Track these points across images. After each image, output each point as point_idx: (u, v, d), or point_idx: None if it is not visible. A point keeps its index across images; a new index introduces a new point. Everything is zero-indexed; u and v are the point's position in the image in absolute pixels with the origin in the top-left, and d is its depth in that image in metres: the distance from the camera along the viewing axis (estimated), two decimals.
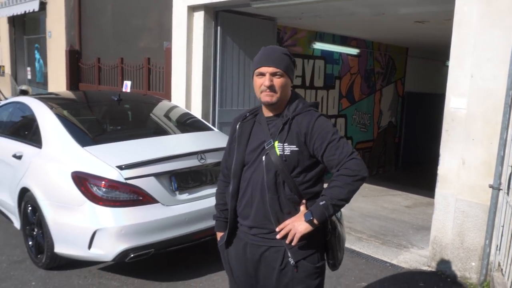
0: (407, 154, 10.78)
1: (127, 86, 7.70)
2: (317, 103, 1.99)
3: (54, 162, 3.54)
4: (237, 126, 1.98)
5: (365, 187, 8.03)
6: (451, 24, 6.17)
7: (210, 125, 4.61)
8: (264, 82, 1.84)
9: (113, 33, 8.46)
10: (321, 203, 1.78)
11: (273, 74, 1.84)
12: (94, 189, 3.18)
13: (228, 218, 2.01)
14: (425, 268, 3.95)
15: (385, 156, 10.21)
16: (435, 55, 10.51)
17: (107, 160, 3.28)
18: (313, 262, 1.89)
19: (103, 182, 3.18)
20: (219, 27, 6.02)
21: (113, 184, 3.17)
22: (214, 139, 4.10)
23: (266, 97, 1.85)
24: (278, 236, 1.83)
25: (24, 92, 9.25)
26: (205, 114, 6.12)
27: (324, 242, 1.94)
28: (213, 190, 3.60)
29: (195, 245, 3.64)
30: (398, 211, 6.10)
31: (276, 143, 1.84)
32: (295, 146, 1.83)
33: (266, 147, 1.85)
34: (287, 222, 1.83)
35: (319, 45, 7.84)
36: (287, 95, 1.91)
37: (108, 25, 8.59)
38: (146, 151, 3.48)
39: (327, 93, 8.29)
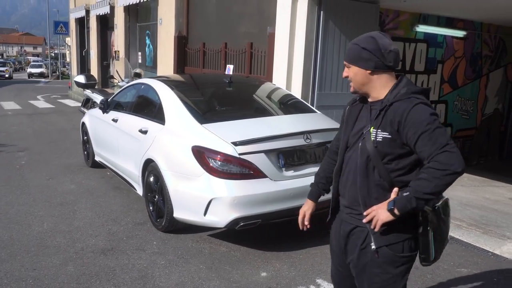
0: None
1: (229, 69, 8.14)
2: (427, 89, 1.93)
3: (176, 137, 4.00)
4: (347, 109, 2.11)
5: (464, 177, 7.69)
6: None
7: (313, 108, 4.81)
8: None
9: (216, 20, 8.93)
10: (404, 194, 1.78)
11: (347, 66, 1.98)
12: (211, 162, 3.56)
13: (321, 190, 2.29)
14: None
15: (488, 145, 9.62)
16: None
17: (222, 136, 3.64)
18: (396, 251, 1.89)
19: (219, 156, 3.54)
20: (322, 12, 6.12)
21: (228, 158, 3.53)
22: (318, 121, 4.31)
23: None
24: (364, 220, 1.90)
25: (137, 75, 10.19)
26: (304, 97, 6.31)
27: (416, 233, 1.90)
28: (316, 168, 3.81)
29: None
30: (501, 202, 5.84)
31: (371, 129, 1.88)
32: (387, 134, 1.83)
33: (364, 132, 1.92)
34: (374, 207, 1.87)
35: (422, 28, 7.59)
36: (364, 82, 1.96)
37: (212, 12, 9.08)
38: (256, 130, 3.80)
39: (427, 78, 8.02)
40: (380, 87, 1.94)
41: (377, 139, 1.87)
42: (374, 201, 1.90)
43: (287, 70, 6.42)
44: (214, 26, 9.00)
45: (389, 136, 1.84)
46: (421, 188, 1.74)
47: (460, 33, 8.13)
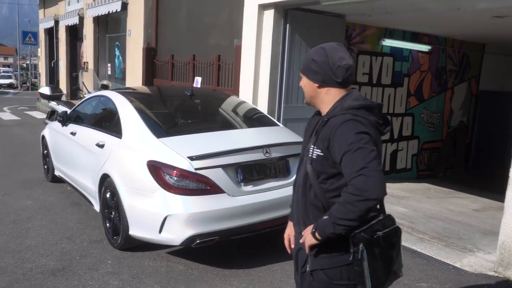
0: (479, 155, 10.23)
1: (197, 82, 8.06)
2: (370, 105, 1.78)
3: (132, 151, 3.88)
4: (308, 122, 2.04)
5: (431, 189, 7.81)
6: None
7: (275, 121, 4.76)
8: None
9: (186, 32, 8.86)
10: (325, 217, 1.69)
11: (301, 76, 1.93)
12: (167, 177, 3.45)
13: None
14: (491, 273, 3.82)
15: (454, 157, 9.79)
16: None
17: (179, 150, 3.54)
18: (332, 277, 1.77)
19: (175, 171, 3.43)
20: (288, 25, 6.13)
21: (183, 173, 3.42)
22: (280, 134, 4.25)
23: None
24: (300, 241, 1.83)
25: (105, 87, 9.98)
26: (271, 110, 6.27)
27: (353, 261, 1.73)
28: (276, 183, 3.79)
29: (257, 235, 3.81)
30: (465, 214, 5.89)
31: (311, 145, 1.82)
32: (320, 151, 1.75)
33: (309, 148, 1.85)
34: (307, 228, 1.79)
35: (388, 42, 7.70)
36: (312, 95, 1.88)
37: (182, 23, 9.01)
38: (214, 144, 3.71)
39: (394, 91, 8.12)
40: (329, 101, 1.85)
41: (313, 156, 1.79)
42: (311, 221, 1.81)
43: (254, 83, 6.38)
44: (184, 38, 8.92)
45: (321, 154, 1.76)
46: (336, 213, 1.65)
47: (425, 48, 8.29)
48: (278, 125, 4.61)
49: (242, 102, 5.15)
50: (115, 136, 4.19)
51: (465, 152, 10.06)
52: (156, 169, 3.51)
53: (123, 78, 11.78)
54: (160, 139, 3.74)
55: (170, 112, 4.70)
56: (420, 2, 5.35)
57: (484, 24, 6.71)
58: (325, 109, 1.86)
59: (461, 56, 9.19)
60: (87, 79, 12.82)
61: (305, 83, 1.89)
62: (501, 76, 10.06)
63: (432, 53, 8.50)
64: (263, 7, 6.17)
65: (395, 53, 7.95)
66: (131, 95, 4.64)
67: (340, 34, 6.62)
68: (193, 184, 3.43)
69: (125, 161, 3.92)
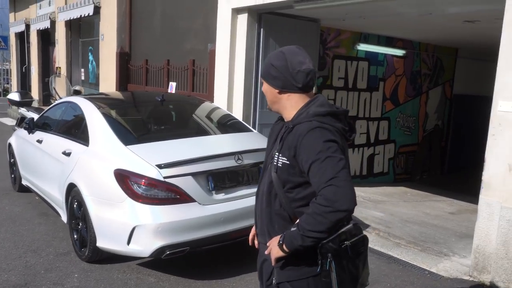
0: (454, 158, 10.37)
1: (172, 87, 7.91)
2: (336, 111, 1.72)
3: (99, 159, 3.72)
4: (271, 128, 1.96)
5: (407, 192, 7.84)
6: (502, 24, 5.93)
7: (249, 127, 4.67)
8: None
9: (161, 36, 8.72)
10: (292, 229, 1.62)
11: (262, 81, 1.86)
12: (135, 186, 3.31)
13: None
14: (466, 277, 3.80)
15: (430, 160, 9.88)
16: (487, 56, 10.03)
17: (147, 158, 3.41)
18: None
19: (143, 180, 3.30)
20: (262, 29, 6.08)
21: (152, 182, 3.29)
22: (252, 140, 4.16)
23: None
24: (266, 252, 1.75)
25: (77, 92, 9.72)
26: (246, 115, 6.19)
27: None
28: (249, 190, 3.69)
29: (230, 244, 3.70)
30: (441, 217, 5.90)
31: (276, 153, 1.74)
32: (286, 159, 1.68)
33: (273, 155, 1.76)
34: (273, 239, 1.71)
35: (363, 47, 7.72)
36: (274, 101, 1.81)
37: (156, 28, 8.86)
38: (185, 151, 3.59)
39: (370, 96, 8.14)
40: (291, 107, 1.77)
41: (278, 164, 1.72)
42: (277, 232, 1.74)
43: (228, 88, 6.29)
44: (158, 42, 8.78)
45: (287, 162, 1.69)
46: (305, 224, 1.57)
47: (399, 52, 8.35)
48: (252, 131, 4.52)
49: (215, 108, 5.04)
50: (82, 143, 4.03)
51: (440, 155, 10.17)
52: (124, 178, 3.37)
53: (97, 84, 11.52)
54: (128, 146, 3.60)
55: (140, 118, 4.56)
56: (393, 7, 5.36)
57: (455, 29, 6.79)
58: (288, 115, 1.79)
59: (435, 61, 9.30)
60: (59, 85, 12.51)
61: (266, 89, 1.82)
62: (474, 80, 10.23)
63: (406, 57, 8.57)
64: (236, 11, 6.10)
65: (370, 57, 7.98)
66: (99, 101, 4.48)
67: (315, 38, 6.60)
68: (162, 193, 3.30)
69: (92, 170, 3.76)
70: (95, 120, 4.02)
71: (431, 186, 8.40)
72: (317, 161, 1.57)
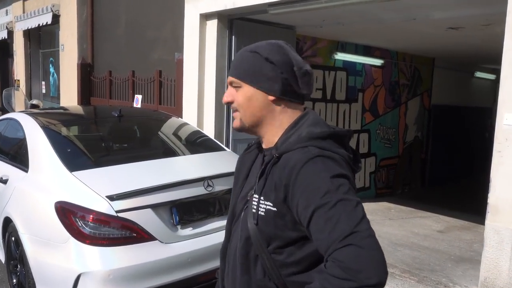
0: (434, 170, 10.08)
1: (138, 100, 7.30)
2: (339, 132, 1.21)
3: (38, 189, 3.07)
4: (238, 159, 1.40)
5: (392, 208, 7.42)
6: (488, 30, 5.63)
7: (221, 145, 4.10)
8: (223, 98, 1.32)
9: (126, 46, 8.12)
10: None
11: (233, 85, 1.28)
12: (80, 223, 2.68)
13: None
14: None
15: (411, 173, 9.54)
16: (463, 66, 9.88)
17: (96, 188, 2.79)
18: None
19: (91, 216, 2.68)
20: (233, 37, 5.57)
21: (101, 218, 2.67)
22: (225, 161, 3.58)
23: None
24: None
25: (34, 107, 8.96)
26: (218, 130, 5.64)
27: None
28: (222, 223, 3.11)
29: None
30: (431, 237, 5.47)
31: (254, 194, 1.21)
32: (271, 204, 1.16)
33: (249, 198, 1.24)
34: None
35: (341, 56, 7.31)
36: (262, 115, 1.24)
37: (121, 37, 8.26)
38: (144, 177, 2.98)
39: (349, 107, 7.73)
40: (279, 126, 1.24)
41: (259, 212, 1.17)
42: None
43: (198, 100, 5.73)
44: (123, 52, 8.16)
45: (273, 209, 1.15)
46: None
47: (377, 62, 8.00)
48: (225, 150, 3.95)
49: (183, 124, 4.45)
50: (20, 169, 3.37)
51: (420, 168, 9.85)
52: (67, 212, 2.74)
53: (58, 97, 10.74)
54: (74, 173, 2.96)
55: (92, 138, 3.92)
56: (374, 12, 4.97)
57: (436, 37, 6.47)
58: (271, 137, 1.26)
59: (412, 70, 9.01)
60: (19, 99, 11.67)
61: (250, 96, 1.24)
62: (450, 90, 10.02)
63: (384, 67, 8.23)
64: (205, 17, 5.57)
65: (348, 67, 7.58)
66: (44, 117, 3.83)
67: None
68: (115, 231, 2.69)
69: (29, 202, 3.11)
70: (36, 140, 3.37)
71: (413, 200, 8.02)
72: (323, 207, 1.04)
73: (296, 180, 1.10)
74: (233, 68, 1.28)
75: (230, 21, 5.53)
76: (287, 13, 4.89)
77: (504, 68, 3.18)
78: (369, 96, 8.08)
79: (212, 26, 5.51)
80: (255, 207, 1.18)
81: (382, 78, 8.29)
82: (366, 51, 7.75)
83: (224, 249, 1.39)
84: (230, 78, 1.28)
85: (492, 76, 10.79)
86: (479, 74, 10.49)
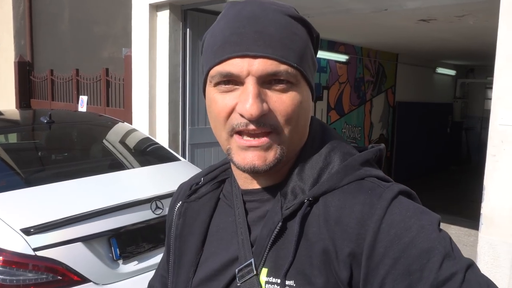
0: (400, 168, 9.87)
1: (83, 102, 6.56)
2: (378, 149, 0.82)
3: None
4: (175, 212, 0.84)
5: None
6: (461, 23, 5.35)
7: (175, 154, 3.51)
8: (242, 108, 0.67)
9: (71, 42, 7.36)
10: None
11: (264, 80, 0.68)
12: None
13: None
14: None
15: None
16: (425, 61, 9.72)
17: (8, 219, 2.15)
18: None
19: (1, 257, 2.04)
20: (188, 29, 4.98)
21: (15, 259, 2.04)
22: (179, 176, 2.99)
23: (249, 152, 0.69)
24: None
25: None
26: (173, 134, 5.04)
27: None
28: None
29: None
30: None
31: (264, 273, 0.69)
32: None
33: (239, 281, 0.70)
34: None
35: None
36: (304, 135, 0.77)
37: (65, 33, 7.48)
38: (74, 201, 2.37)
39: (314, 105, 7.30)
40: (300, 141, 0.78)
41: None
42: None
43: (150, 101, 5.11)
44: (68, 49, 7.40)
45: None
46: None
47: (342, 57, 7.63)
48: (179, 160, 3.36)
49: (131, 131, 3.82)
50: None
51: (386, 166, 9.60)
52: None
53: None
54: None
55: (10, 151, 3.21)
56: (344, 3, 4.54)
57: (403, 30, 6.15)
58: (282, 170, 0.76)
59: (377, 67, 8.72)
60: None
61: (306, 99, 0.74)
62: (414, 87, 9.84)
63: (349, 63, 7.87)
64: (155, 8, 4.95)
65: None
66: None
67: None
68: (33, 275, 2.06)
69: None
70: None
71: None
72: (450, 281, 0.60)
73: (376, 242, 0.62)
74: (271, 41, 0.68)
75: (183, 12, 4.94)
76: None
77: (498, 61, 2.79)
78: (334, 94, 7.70)
79: (164, 17, 4.90)
80: None
81: (347, 74, 7.93)
82: (331, 46, 7.36)
83: None
84: (273, 62, 0.67)
85: (452, 72, 10.75)
86: (440, 70, 10.40)
